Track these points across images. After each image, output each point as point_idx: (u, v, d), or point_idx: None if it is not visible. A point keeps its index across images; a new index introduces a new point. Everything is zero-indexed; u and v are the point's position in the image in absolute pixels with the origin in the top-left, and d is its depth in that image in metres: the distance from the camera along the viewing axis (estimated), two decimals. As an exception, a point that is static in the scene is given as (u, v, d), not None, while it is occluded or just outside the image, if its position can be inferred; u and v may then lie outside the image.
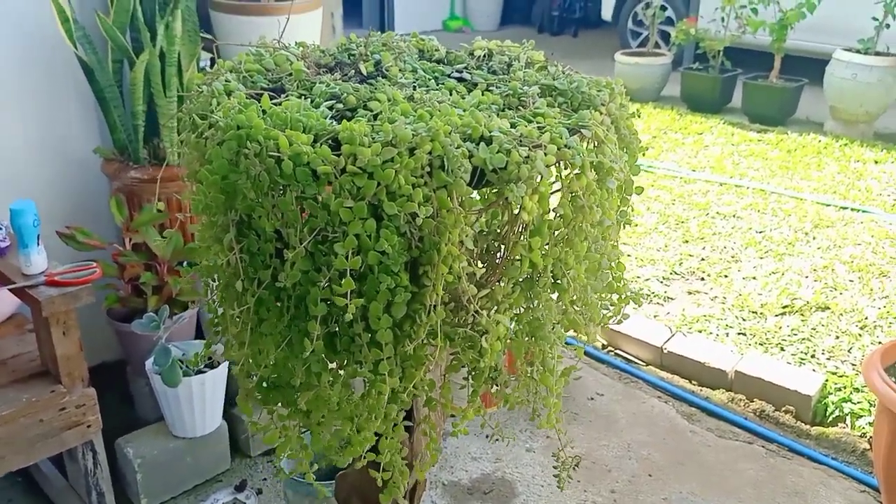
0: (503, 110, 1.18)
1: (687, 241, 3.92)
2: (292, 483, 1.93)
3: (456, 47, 1.51)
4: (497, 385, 1.15)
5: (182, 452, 2.23)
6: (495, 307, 1.04)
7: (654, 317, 3.26)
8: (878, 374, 1.99)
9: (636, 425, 2.65)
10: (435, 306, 1.00)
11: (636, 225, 4.11)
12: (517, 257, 1.06)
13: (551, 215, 1.09)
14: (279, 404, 1.18)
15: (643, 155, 1.25)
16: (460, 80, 1.32)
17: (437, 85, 1.28)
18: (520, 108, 1.18)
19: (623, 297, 1.37)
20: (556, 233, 1.09)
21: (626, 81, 5.67)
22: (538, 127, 1.08)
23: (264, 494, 2.28)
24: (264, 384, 1.15)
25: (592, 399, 2.79)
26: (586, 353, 3.07)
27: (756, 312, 3.23)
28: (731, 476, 2.40)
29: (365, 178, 0.98)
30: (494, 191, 1.06)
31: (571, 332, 1.28)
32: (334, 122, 1.05)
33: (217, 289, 1.12)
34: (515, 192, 0.98)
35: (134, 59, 2.29)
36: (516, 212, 1.01)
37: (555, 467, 1.32)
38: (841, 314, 3.19)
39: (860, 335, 3.03)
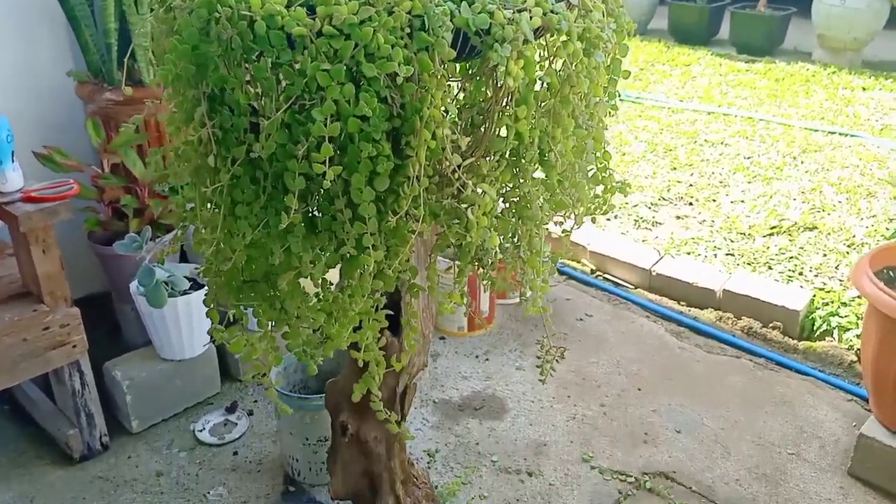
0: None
1: (675, 169, 3.90)
2: (282, 397, 1.92)
3: None
4: (484, 266, 1.13)
5: (171, 375, 2.21)
6: (481, 181, 1.01)
7: (643, 241, 3.25)
8: (867, 276, 1.99)
9: (625, 344, 2.65)
10: (418, 177, 0.97)
11: (624, 154, 4.08)
12: (503, 129, 1.02)
13: (538, 86, 1.05)
14: (253, 300, 1.16)
15: (629, 38, 1.21)
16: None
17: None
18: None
19: (609, 187, 1.34)
20: (543, 104, 1.05)
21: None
22: (523, -7, 1.03)
23: (255, 415, 2.28)
24: (238, 280, 1.12)
25: (581, 320, 2.79)
26: (575, 278, 3.07)
27: (744, 234, 3.23)
28: (718, 388, 2.42)
29: (342, 40, 0.93)
30: (478, 59, 1.02)
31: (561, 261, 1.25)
32: (309, -13, 1.00)
33: (188, 172, 1.08)
34: (500, 53, 0.94)
35: (105, -26, 2.21)
36: (501, 79, 0.97)
37: (538, 356, 1.31)
38: (828, 233, 3.19)
39: (847, 252, 3.04)
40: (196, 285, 2.22)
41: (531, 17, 0.99)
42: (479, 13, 0.96)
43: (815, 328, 2.69)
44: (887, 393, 1.98)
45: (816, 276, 2.91)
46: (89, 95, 2.34)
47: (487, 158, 1.04)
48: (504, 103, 1.01)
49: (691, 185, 3.71)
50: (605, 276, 3.12)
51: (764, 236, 3.20)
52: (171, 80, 1.01)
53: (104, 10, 2.25)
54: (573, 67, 1.03)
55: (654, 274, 2.99)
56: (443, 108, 0.96)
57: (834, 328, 2.65)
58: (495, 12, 0.96)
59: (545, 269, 1.14)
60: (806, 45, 5.82)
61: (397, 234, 1.02)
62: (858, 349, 2.55)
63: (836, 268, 2.94)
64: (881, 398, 2.01)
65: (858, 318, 2.63)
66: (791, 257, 3.03)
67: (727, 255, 3.09)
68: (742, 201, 3.51)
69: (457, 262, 1.11)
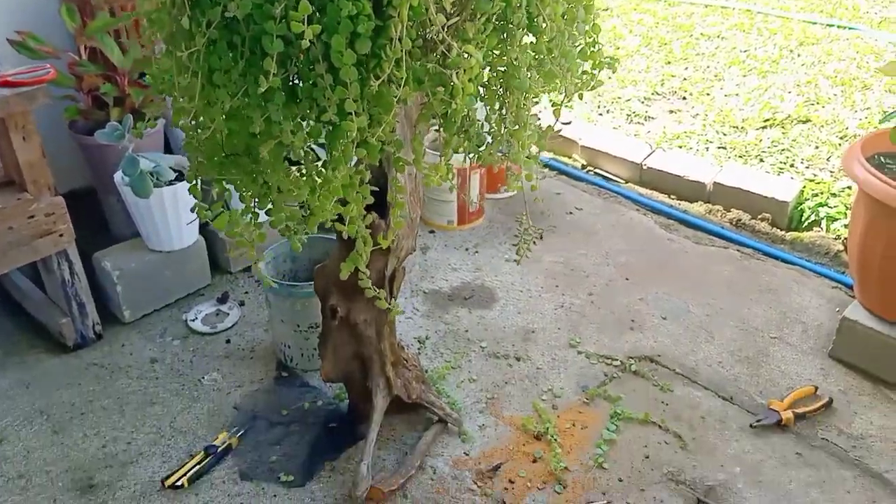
0: None
1: (669, 63, 3.82)
2: (273, 287, 1.93)
3: None
4: (469, 139, 1.11)
5: (160, 265, 2.22)
6: (467, 44, 0.98)
7: (635, 135, 3.21)
8: (858, 161, 1.98)
9: (614, 236, 2.66)
10: (401, 39, 0.93)
11: (618, 48, 3.99)
12: (489, -11, 0.98)
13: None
14: (235, 175, 1.14)
15: None
16: None
17: None
18: None
19: (598, 62, 1.30)
20: (530, -39, 1.01)
21: None
22: None
23: (247, 306, 2.30)
24: (220, 154, 1.10)
25: (571, 213, 2.79)
26: (566, 173, 3.05)
27: (737, 127, 3.19)
28: (705, 277, 2.45)
29: None
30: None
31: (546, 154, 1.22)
32: None
33: (163, 39, 1.04)
34: None
35: None
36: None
37: (516, 236, 1.30)
38: (822, 125, 3.16)
39: (840, 144, 3.02)
40: (181, 176, 2.19)
41: None
42: None
43: (803, 219, 2.70)
44: (871, 276, 2.00)
45: (808, 167, 2.90)
46: (62, -21, 2.24)
47: (473, 21, 1.00)
48: (490, -40, 0.96)
49: (685, 79, 3.64)
50: (597, 170, 3.10)
51: (757, 129, 3.17)
52: (140, -65, 0.96)
53: None
54: (563, -77, 0.98)
55: (644, 168, 2.98)
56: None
57: (822, 218, 2.66)
58: None
59: (531, 142, 1.12)
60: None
61: (380, 101, 0.99)
62: (845, 239, 2.57)
63: (827, 159, 2.93)
64: (865, 282, 2.04)
65: (847, 208, 2.64)
66: (783, 149, 3.01)
67: (719, 148, 3.07)
68: (736, 94, 3.46)
69: (442, 133, 1.09)
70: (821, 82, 3.51)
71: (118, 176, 2.13)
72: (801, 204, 2.72)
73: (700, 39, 4.06)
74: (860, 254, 2.02)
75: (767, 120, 3.21)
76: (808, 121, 3.20)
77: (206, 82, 1.03)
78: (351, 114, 0.96)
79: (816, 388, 1.99)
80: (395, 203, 1.20)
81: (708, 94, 3.47)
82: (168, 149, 2.43)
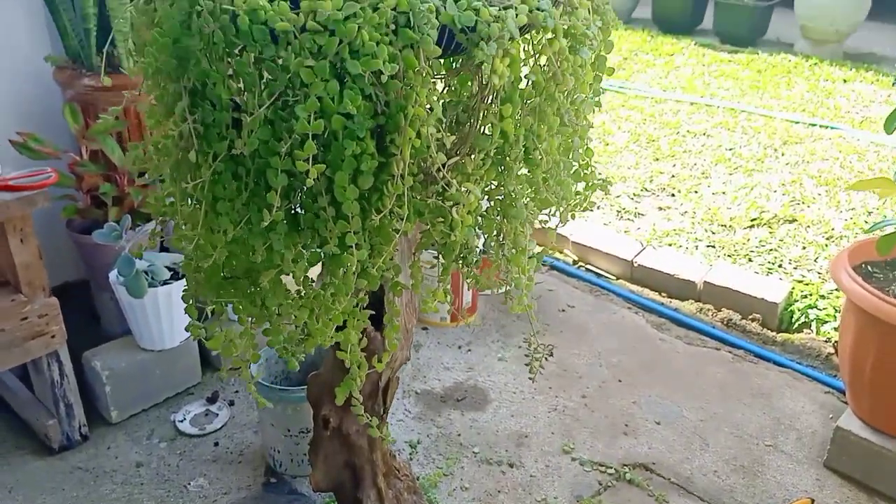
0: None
1: (657, 159, 3.91)
2: (263, 389, 1.91)
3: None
4: (468, 265, 1.13)
5: (151, 365, 2.20)
6: (466, 179, 1.01)
7: (625, 232, 3.26)
8: (845, 271, 2.01)
9: (607, 335, 2.67)
10: (403, 175, 0.96)
11: (607, 144, 4.09)
12: (488, 126, 1.02)
13: (523, 84, 1.04)
14: (234, 297, 1.15)
15: (615, 29, 1.20)
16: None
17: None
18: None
19: (591, 184, 1.34)
20: (528, 102, 1.05)
21: None
22: (509, -10, 1.02)
23: (237, 406, 2.27)
24: (219, 276, 1.11)
25: (564, 311, 2.80)
26: (557, 269, 3.08)
27: (725, 225, 3.25)
28: (698, 379, 2.44)
29: (326, 36, 0.92)
30: (463, 57, 1.01)
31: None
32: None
33: (168, 166, 1.07)
34: (485, 51, 0.93)
35: (83, -42, 2.17)
36: (486, 77, 0.96)
37: (527, 355, 1.31)
38: (808, 226, 3.22)
39: (826, 245, 3.07)
40: (177, 275, 2.20)
41: (517, 15, 0.98)
42: (464, 10, 0.95)
43: (793, 320, 2.72)
44: (863, 386, 2.00)
45: (796, 268, 2.94)
46: (67, 81, 2.30)
47: (472, 156, 1.03)
48: (489, 101, 1.00)
49: (673, 175, 3.72)
50: (588, 266, 3.13)
51: (744, 228, 3.22)
52: (152, 73, 0.99)
53: (83, -6, 2.21)
54: (559, 65, 1.03)
55: (635, 265, 3.01)
56: (428, 106, 0.95)
57: (812, 320, 2.68)
58: (481, 9, 0.96)
59: (530, 267, 1.14)
60: (789, 36, 5.85)
61: (381, 233, 1.01)
62: (836, 342, 2.58)
63: (815, 260, 2.97)
64: (857, 391, 2.04)
65: (836, 311, 2.67)
66: (771, 249, 3.06)
67: (708, 246, 3.11)
68: (723, 192, 3.53)
69: (441, 260, 1.11)
70: (805, 182, 3.59)
71: (113, 275, 2.13)
72: (790, 305, 2.74)
73: (686, 136, 4.17)
74: (851, 363, 2.03)
75: (754, 219, 3.27)
76: (794, 220, 3.26)
77: (210, 209, 1.05)
78: (351, 247, 0.98)
79: (813, 501, 1.96)
80: (391, 326, 1.20)
81: (696, 192, 3.55)
82: (163, 245, 2.44)
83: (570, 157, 1.18)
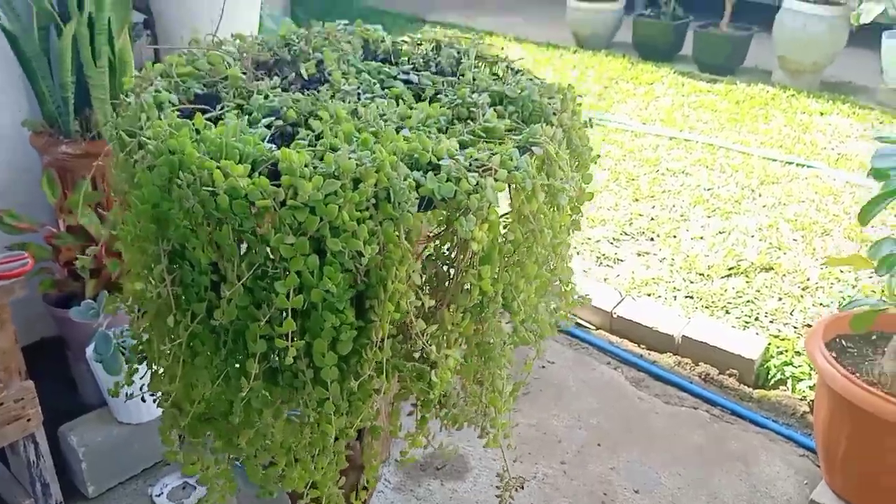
0: (452, 123, 1.13)
1: (637, 200, 3.94)
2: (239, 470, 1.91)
3: (406, 27, 1.44)
4: (446, 409, 1.13)
5: (128, 439, 2.18)
6: (444, 335, 1.02)
7: (605, 279, 3.28)
8: (819, 350, 2.04)
9: (586, 394, 2.69)
10: (382, 341, 0.97)
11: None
12: (467, 285, 1.03)
13: (501, 238, 1.05)
14: (210, 437, 1.15)
15: (594, 163, 1.22)
16: (407, 82, 1.26)
17: (383, 90, 1.22)
18: (469, 120, 1.13)
19: (570, 300, 1.35)
20: (507, 258, 1.05)
21: (578, 27, 5.63)
22: (487, 149, 1.03)
23: (215, 476, 2.26)
24: (196, 418, 1.11)
25: (543, 367, 2.81)
26: (537, 318, 3.09)
27: (703, 274, 3.28)
28: (676, 442, 2.47)
29: (306, 213, 0.92)
30: (442, 217, 1.02)
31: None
32: (273, 147, 0.99)
33: (144, 317, 1.07)
34: (465, 227, 0.94)
35: (61, 26, 2.15)
36: (465, 245, 0.97)
37: (497, 487, 1.32)
38: (784, 275, 3.26)
39: (802, 296, 3.10)
40: (155, 346, 2.19)
41: (496, 180, 0.99)
42: (444, 181, 0.96)
43: (769, 377, 2.75)
44: (836, 462, 2.03)
45: (772, 321, 2.97)
46: (45, 147, 2.28)
47: (450, 309, 1.04)
48: (468, 261, 1.01)
49: (653, 218, 3.75)
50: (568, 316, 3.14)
51: (722, 277, 3.26)
52: (131, 239, 0.99)
53: (61, 63, 2.19)
54: (536, 223, 1.04)
55: (615, 316, 3.03)
56: (406, 276, 0.96)
57: (788, 377, 2.72)
58: (461, 180, 0.96)
59: (508, 406, 1.15)
60: (767, 64, 5.90)
61: (360, 392, 1.02)
62: (812, 401, 2.62)
63: (790, 313, 3.01)
64: (831, 466, 2.07)
65: (811, 368, 2.70)
66: (748, 301, 3.09)
67: (686, 297, 3.14)
68: (701, 237, 3.56)
69: (419, 410, 1.11)
70: (782, 226, 3.64)
71: (90, 351, 2.12)
72: (766, 362, 2.78)
73: (666, 175, 4.20)
74: (824, 440, 2.06)
75: (732, 268, 3.31)
76: (770, 269, 3.30)
77: (188, 361, 1.05)
78: (330, 414, 0.98)
79: (787, 577, 1.99)
80: (370, 466, 1.21)
81: (674, 237, 3.58)
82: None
83: (548, 292, 1.19)
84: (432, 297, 1.04)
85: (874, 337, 2.13)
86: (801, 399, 2.66)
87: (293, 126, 1.08)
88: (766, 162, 4.33)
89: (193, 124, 1.02)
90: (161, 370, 1.07)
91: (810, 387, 2.66)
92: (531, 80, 1.29)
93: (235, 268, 0.95)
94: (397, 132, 1.05)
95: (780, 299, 3.10)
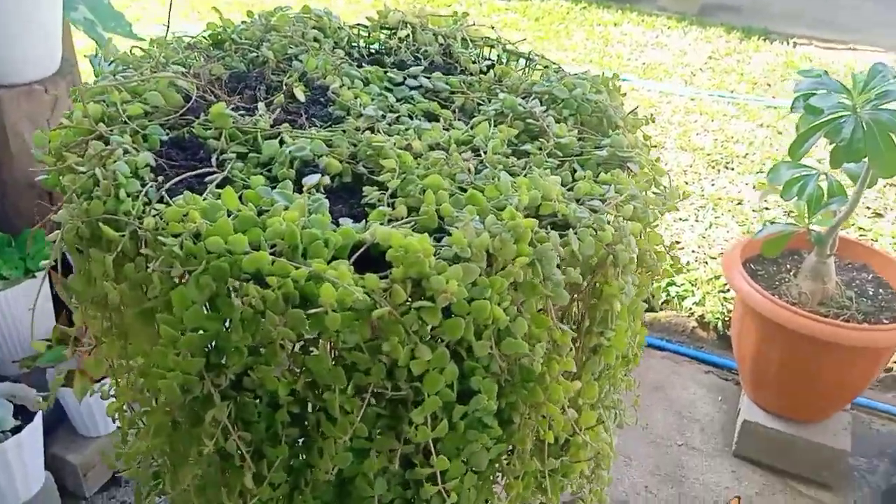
0: (516, 145, 0.91)
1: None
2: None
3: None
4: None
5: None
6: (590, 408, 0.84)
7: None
8: (742, 276, 2.08)
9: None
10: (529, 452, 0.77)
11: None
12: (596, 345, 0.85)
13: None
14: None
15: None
16: (415, 87, 1.01)
17: (398, 101, 0.96)
18: (536, 138, 0.92)
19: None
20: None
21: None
22: (589, 177, 0.84)
23: (126, 545, 1.91)
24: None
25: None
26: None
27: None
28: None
29: (438, 315, 0.68)
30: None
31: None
32: (355, 224, 0.73)
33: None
34: (615, 285, 0.75)
35: None
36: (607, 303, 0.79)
37: None
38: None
39: (672, 222, 3.22)
40: (25, 414, 1.76)
41: (626, 219, 0.81)
42: (586, 239, 0.76)
43: (655, 298, 2.84)
44: (769, 382, 2.13)
45: (644, 244, 3.06)
46: None
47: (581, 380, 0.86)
48: (606, 320, 0.83)
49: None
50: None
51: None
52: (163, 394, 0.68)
53: None
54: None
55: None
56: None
57: (673, 297, 2.82)
58: (600, 232, 0.77)
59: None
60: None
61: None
62: (700, 316, 2.74)
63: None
64: (761, 386, 2.17)
65: (692, 285, 2.83)
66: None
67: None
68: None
69: None
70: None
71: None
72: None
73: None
74: (753, 363, 2.14)
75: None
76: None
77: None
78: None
79: (739, 499, 2.09)
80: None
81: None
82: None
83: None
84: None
85: (778, 258, 2.22)
86: (688, 316, 2.77)
87: (335, 178, 0.81)
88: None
89: (222, 202, 0.71)
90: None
91: (695, 303, 2.78)
92: (557, 70, 1.10)
93: (341, 396, 0.69)
94: (477, 172, 0.82)
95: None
